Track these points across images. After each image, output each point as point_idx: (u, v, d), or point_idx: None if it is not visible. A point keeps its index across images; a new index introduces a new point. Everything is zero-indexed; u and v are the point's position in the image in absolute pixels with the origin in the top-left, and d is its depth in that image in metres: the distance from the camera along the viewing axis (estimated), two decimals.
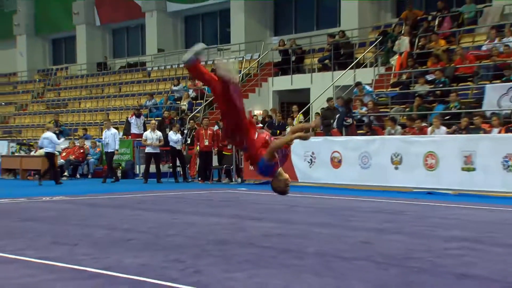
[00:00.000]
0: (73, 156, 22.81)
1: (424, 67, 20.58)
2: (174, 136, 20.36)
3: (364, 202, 13.49)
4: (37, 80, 39.36)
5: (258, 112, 24.65)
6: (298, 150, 17.90)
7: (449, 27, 21.95)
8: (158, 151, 20.36)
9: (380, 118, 19.25)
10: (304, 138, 7.27)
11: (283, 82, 26.47)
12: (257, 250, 7.17)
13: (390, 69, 22.37)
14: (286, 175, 7.30)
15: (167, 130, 21.41)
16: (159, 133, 20.46)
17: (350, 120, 18.74)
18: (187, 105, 26.07)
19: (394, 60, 22.03)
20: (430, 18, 22.95)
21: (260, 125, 21.76)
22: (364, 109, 19.56)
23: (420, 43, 21.61)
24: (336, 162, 17.38)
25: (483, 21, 21.79)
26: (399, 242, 8.05)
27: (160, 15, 34.52)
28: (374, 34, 24.79)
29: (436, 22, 22.36)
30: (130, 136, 23.81)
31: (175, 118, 23.45)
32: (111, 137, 20.36)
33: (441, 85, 18.96)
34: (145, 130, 22.11)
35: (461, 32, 21.58)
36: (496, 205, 12.59)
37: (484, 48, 19.82)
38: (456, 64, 19.47)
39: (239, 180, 19.74)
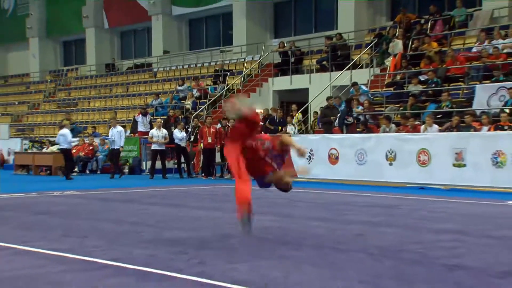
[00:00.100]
0: (83, 153, 22.83)
1: (417, 68, 20.57)
2: (179, 134, 20.36)
3: (359, 197, 13.50)
4: (49, 80, 39.34)
5: (259, 111, 24.64)
6: None
7: (441, 30, 21.94)
8: (163, 148, 20.36)
9: (375, 117, 19.25)
10: (302, 154, 7.27)
11: (283, 82, 26.46)
12: (258, 243, 7.18)
13: (385, 70, 22.36)
14: (281, 173, 7.28)
15: (172, 128, 21.40)
16: (164, 131, 20.45)
17: (351, 119, 18.71)
18: (191, 104, 26.05)
19: (389, 61, 22.02)
20: (423, 21, 22.95)
21: (261, 123, 21.80)
22: (360, 108, 19.56)
23: (413, 45, 21.60)
24: (333, 159, 17.39)
25: (473, 24, 21.77)
26: (392, 234, 8.06)
27: (165, 18, 34.49)
28: (370, 36, 24.76)
29: (429, 25, 22.35)
30: (137, 134, 23.81)
31: (180, 116, 23.43)
32: (117, 134, 20.38)
33: (433, 85, 18.95)
34: (151, 128, 22.10)
35: (453, 34, 21.56)
36: (485, 200, 12.59)
37: (474, 50, 19.80)
38: (448, 65, 19.45)
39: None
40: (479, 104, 17.26)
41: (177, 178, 19.99)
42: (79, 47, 41.36)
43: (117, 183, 17.85)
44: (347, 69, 22.61)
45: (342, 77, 22.33)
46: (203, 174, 20.32)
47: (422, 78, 19.75)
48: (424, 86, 19.35)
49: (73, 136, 21.62)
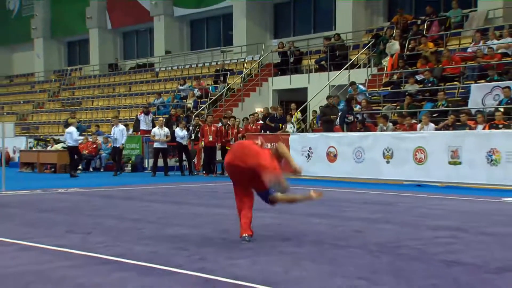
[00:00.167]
0: (87, 151, 22.78)
1: (413, 67, 20.53)
2: (180, 132, 20.34)
3: (358, 194, 13.49)
4: (53, 80, 39.33)
5: (259, 109, 24.63)
6: (296, 146, 17.90)
7: (437, 31, 21.91)
8: (165, 146, 20.34)
9: (373, 116, 19.22)
10: (296, 173, 7.27)
11: (282, 82, 26.43)
12: (259, 239, 7.16)
13: (382, 70, 22.33)
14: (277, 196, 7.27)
15: (174, 126, 21.38)
16: (166, 130, 20.43)
17: (351, 118, 18.65)
18: (192, 103, 26.03)
19: (386, 61, 22.00)
20: (419, 22, 22.91)
21: (261, 122, 21.79)
22: (358, 107, 19.53)
23: (410, 46, 21.57)
24: (332, 157, 17.36)
25: (468, 25, 21.73)
26: (390, 231, 8.04)
27: (167, 19, 34.46)
28: (367, 37, 24.73)
29: (425, 26, 22.30)
30: (139, 132, 23.79)
31: (181, 115, 23.42)
32: (119, 133, 20.38)
33: (429, 85, 18.93)
34: (153, 126, 22.06)
35: (448, 35, 21.53)
36: (481, 197, 12.57)
37: (469, 50, 19.78)
38: (444, 65, 19.42)
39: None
40: (474, 103, 17.24)
41: (178, 176, 19.97)
42: (83, 47, 41.34)
43: (120, 181, 17.83)
44: (345, 69, 22.58)
45: (340, 77, 22.30)
46: (204, 172, 20.30)
47: (418, 77, 19.73)
48: (421, 86, 19.33)
49: (79, 135, 21.60)
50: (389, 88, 20.63)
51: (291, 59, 26.06)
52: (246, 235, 7.08)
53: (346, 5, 26.16)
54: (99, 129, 26.37)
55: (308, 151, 17.77)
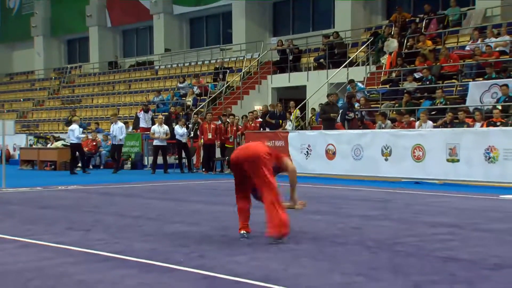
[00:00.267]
0: (86, 149, 22.78)
1: (412, 65, 20.54)
2: (180, 130, 20.34)
3: (356, 191, 13.50)
4: (53, 78, 39.31)
5: (258, 107, 24.63)
6: (295, 143, 17.92)
7: (435, 29, 21.92)
8: (165, 144, 20.35)
9: (371, 113, 19.23)
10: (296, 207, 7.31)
11: (281, 80, 26.43)
12: (258, 236, 7.17)
13: (380, 68, 22.34)
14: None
15: (174, 124, 21.39)
16: (166, 127, 20.44)
17: (351, 115, 18.64)
18: (192, 101, 26.03)
19: (385, 59, 22.00)
20: (417, 20, 22.92)
21: (260, 119, 21.79)
22: (356, 105, 19.53)
23: (408, 44, 21.58)
24: (330, 154, 17.37)
25: (466, 23, 21.74)
26: (388, 228, 8.06)
27: (167, 17, 34.43)
28: (366, 35, 24.73)
29: (423, 24, 22.32)
30: (139, 130, 23.80)
31: (181, 113, 23.41)
32: (118, 130, 20.38)
33: (428, 83, 18.94)
34: (153, 124, 22.08)
35: (447, 33, 21.54)
36: (478, 194, 12.59)
37: (467, 48, 19.78)
38: (442, 63, 19.44)
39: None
40: (472, 101, 17.25)
41: (178, 173, 19.97)
42: (83, 45, 41.30)
43: (120, 178, 17.83)
44: (343, 67, 22.57)
45: (339, 75, 22.29)
46: (203, 169, 20.31)
47: (417, 75, 19.74)
48: (419, 83, 19.34)
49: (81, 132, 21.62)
50: (387, 86, 20.64)
51: (290, 57, 26.05)
52: (245, 232, 7.10)
53: (345, 3, 26.16)
54: (99, 126, 26.36)
55: (307, 148, 17.78)
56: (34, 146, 25.22)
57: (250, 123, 21.02)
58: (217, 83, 27.32)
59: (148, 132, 21.48)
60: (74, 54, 42.91)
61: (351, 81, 20.77)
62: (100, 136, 23.75)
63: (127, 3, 36.65)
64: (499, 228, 8.09)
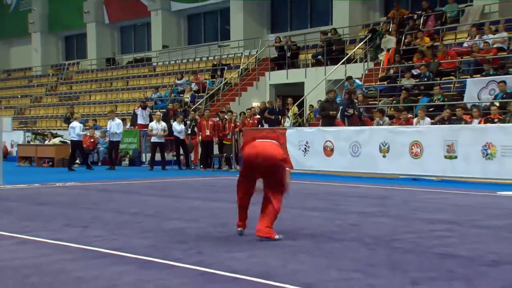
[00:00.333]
0: (84, 145, 22.76)
1: (410, 62, 20.55)
2: (177, 127, 20.33)
3: (354, 188, 13.51)
4: (51, 74, 39.24)
5: (256, 104, 24.62)
6: (293, 140, 17.91)
7: (433, 25, 21.92)
8: (163, 140, 20.33)
9: (369, 110, 19.24)
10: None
11: (279, 76, 26.42)
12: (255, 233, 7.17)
13: (378, 64, 22.34)
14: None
15: (171, 121, 21.37)
16: (163, 124, 20.42)
17: (351, 111, 18.63)
18: (189, 98, 26.01)
19: (382, 56, 22.00)
20: (415, 17, 22.92)
21: (258, 116, 21.77)
22: (355, 102, 19.52)
23: (406, 40, 21.58)
24: (328, 151, 17.38)
25: (464, 19, 21.75)
26: (385, 224, 8.07)
27: (164, 13, 34.39)
28: (364, 31, 24.73)
29: (421, 21, 22.32)
30: (136, 127, 23.77)
31: (179, 109, 23.40)
32: (116, 126, 20.37)
33: (425, 79, 18.94)
34: (150, 121, 22.07)
35: (444, 30, 21.54)
36: (476, 190, 12.60)
37: (465, 44, 19.79)
38: (440, 59, 19.44)
39: (238, 167, 19.70)
40: (470, 97, 17.26)
41: (176, 170, 19.97)
42: (80, 41, 41.23)
43: (118, 175, 17.83)
44: (341, 64, 22.58)
45: (337, 71, 22.30)
46: (201, 166, 20.31)
47: (414, 72, 19.74)
48: (417, 80, 19.34)
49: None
50: (385, 82, 20.64)
51: (288, 54, 26.05)
52: (242, 229, 7.12)
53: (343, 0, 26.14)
54: (97, 123, 26.33)
55: (305, 145, 17.78)
56: (31, 143, 25.19)
57: (248, 120, 21.01)
58: (215, 79, 27.30)
59: (146, 129, 21.46)
60: (71, 50, 42.83)
61: (349, 78, 20.77)
62: (98, 133, 23.72)
63: None
64: (496, 224, 8.11)
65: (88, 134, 23.33)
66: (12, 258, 6.04)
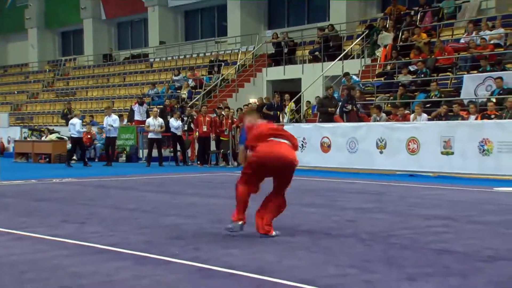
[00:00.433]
0: None
1: (407, 58, 20.54)
2: (174, 123, 20.31)
3: (351, 184, 13.52)
4: (47, 70, 39.16)
5: (253, 100, 24.61)
6: None
7: (430, 22, 21.91)
8: (160, 136, 20.31)
9: (366, 106, 19.24)
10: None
11: (276, 73, 26.41)
12: (253, 228, 7.17)
13: (375, 60, 22.33)
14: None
15: (168, 117, 21.35)
16: (160, 120, 20.40)
17: (349, 107, 18.61)
18: (187, 94, 25.99)
19: (379, 52, 22.00)
20: (412, 13, 22.90)
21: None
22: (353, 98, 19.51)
23: (403, 36, 21.57)
24: (325, 147, 17.39)
25: (461, 16, 21.74)
26: (382, 220, 8.08)
27: (161, 9, 34.32)
28: (361, 27, 24.71)
29: (418, 17, 22.31)
30: (133, 123, 23.75)
31: (176, 106, 23.36)
32: (112, 123, 20.34)
33: (422, 75, 18.95)
34: (147, 117, 22.05)
35: (441, 26, 21.53)
36: (473, 186, 12.63)
37: (462, 41, 19.80)
38: (437, 55, 19.44)
39: (236, 163, 19.71)
40: (466, 93, 17.28)
41: (173, 166, 19.96)
42: (77, 37, 41.14)
43: (115, 171, 17.81)
44: (339, 60, 22.56)
45: (334, 68, 22.29)
46: (198, 162, 20.30)
47: (411, 68, 19.75)
48: (414, 76, 19.35)
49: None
50: (382, 78, 20.64)
51: (285, 50, 26.03)
52: (243, 222, 7.06)
53: None
54: (94, 119, 26.30)
55: (302, 141, 17.77)
56: (28, 139, 25.14)
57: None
58: (212, 76, 27.28)
59: (143, 125, 21.44)
60: (68, 46, 42.74)
61: (346, 74, 20.77)
62: (94, 129, 23.69)
63: None
64: (493, 220, 8.13)
65: (85, 130, 23.29)
66: (8, 254, 6.04)
